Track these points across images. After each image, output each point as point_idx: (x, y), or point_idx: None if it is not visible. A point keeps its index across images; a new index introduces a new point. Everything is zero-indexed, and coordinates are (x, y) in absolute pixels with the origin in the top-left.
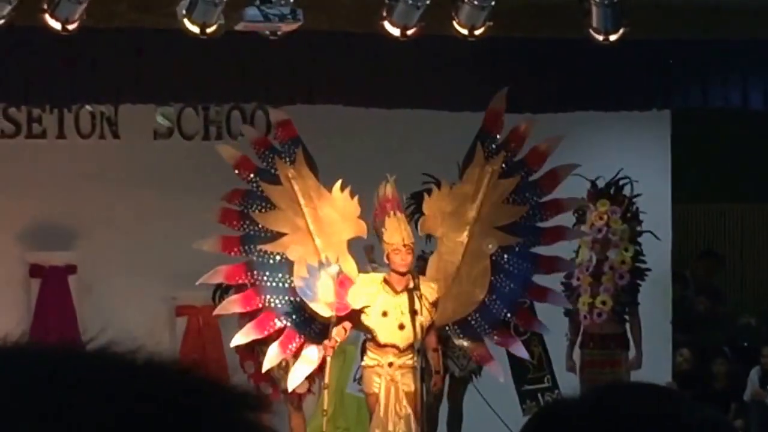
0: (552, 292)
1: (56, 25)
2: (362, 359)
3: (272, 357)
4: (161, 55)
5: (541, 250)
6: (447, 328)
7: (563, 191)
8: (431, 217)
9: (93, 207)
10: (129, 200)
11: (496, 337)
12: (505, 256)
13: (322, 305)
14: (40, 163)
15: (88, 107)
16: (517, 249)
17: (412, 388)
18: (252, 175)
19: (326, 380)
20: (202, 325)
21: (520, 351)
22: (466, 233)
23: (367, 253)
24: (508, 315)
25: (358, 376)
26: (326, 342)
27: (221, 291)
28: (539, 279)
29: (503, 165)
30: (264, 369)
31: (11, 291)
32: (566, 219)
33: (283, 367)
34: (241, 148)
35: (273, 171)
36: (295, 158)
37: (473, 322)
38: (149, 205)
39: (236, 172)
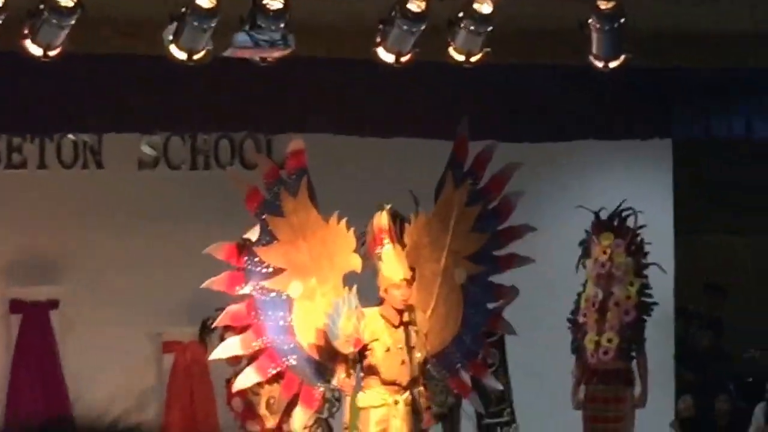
0: (503, 320)
1: (37, 51)
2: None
3: (280, 399)
4: (147, 83)
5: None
6: (428, 361)
7: (567, 223)
8: (412, 248)
9: (76, 240)
10: (113, 233)
11: (470, 368)
12: (471, 285)
13: (344, 342)
14: (20, 194)
15: (70, 136)
16: (479, 278)
17: (411, 426)
18: (259, 207)
19: (346, 420)
20: (189, 361)
21: (492, 382)
22: (441, 263)
23: None
24: (475, 346)
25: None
26: (346, 380)
27: (207, 328)
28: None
29: (468, 193)
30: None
31: None
32: (524, 249)
33: (271, 405)
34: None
35: (277, 202)
36: (299, 190)
37: (450, 355)
38: (134, 237)
39: (245, 203)
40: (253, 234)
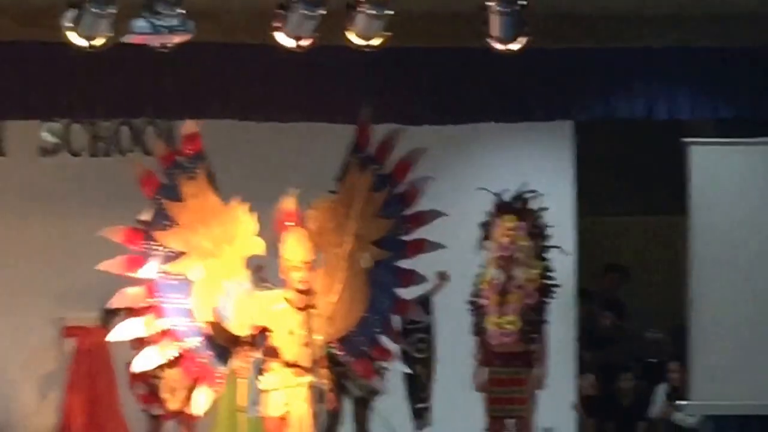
0: (412, 306)
1: None
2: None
3: (177, 381)
4: (47, 70)
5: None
6: (330, 345)
7: (468, 205)
8: (316, 233)
9: None
10: (15, 219)
11: (375, 353)
12: (378, 270)
13: (239, 325)
14: None
15: None
16: (385, 263)
17: (314, 409)
18: (156, 192)
19: (242, 402)
20: (91, 346)
21: (399, 365)
22: (346, 248)
23: (256, 271)
24: (380, 330)
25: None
26: (241, 365)
27: (110, 312)
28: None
29: (373, 178)
30: (163, 394)
31: None
32: (426, 231)
33: (174, 389)
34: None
35: (175, 187)
36: (197, 174)
37: (354, 338)
38: (36, 223)
39: (141, 188)
40: (147, 216)
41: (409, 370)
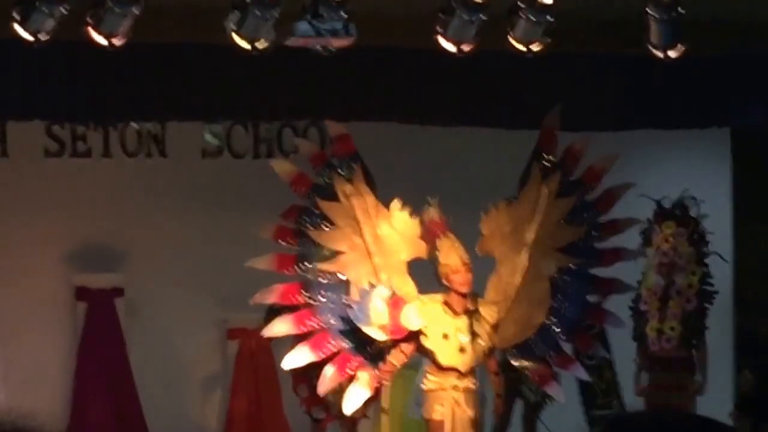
0: (610, 314)
1: (101, 41)
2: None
3: (328, 380)
4: (210, 72)
5: (599, 271)
6: (506, 351)
7: (627, 212)
8: (490, 237)
9: (140, 227)
10: (177, 220)
11: (555, 360)
12: (564, 277)
13: (376, 329)
14: (85, 182)
15: (134, 125)
16: (575, 271)
17: (473, 413)
18: (308, 192)
19: (384, 405)
20: (254, 348)
21: (580, 373)
22: (525, 254)
23: None
24: (566, 338)
25: (421, 400)
26: (382, 366)
27: (273, 313)
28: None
29: (559, 185)
30: (320, 392)
31: (57, 315)
32: (624, 239)
33: (338, 391)
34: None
35: (330, 187)
36: (354, 174)
37: (533, 345)
38: (198, 225)
39: (292, 188)
40: (297, 214)
41: (589, 379)
